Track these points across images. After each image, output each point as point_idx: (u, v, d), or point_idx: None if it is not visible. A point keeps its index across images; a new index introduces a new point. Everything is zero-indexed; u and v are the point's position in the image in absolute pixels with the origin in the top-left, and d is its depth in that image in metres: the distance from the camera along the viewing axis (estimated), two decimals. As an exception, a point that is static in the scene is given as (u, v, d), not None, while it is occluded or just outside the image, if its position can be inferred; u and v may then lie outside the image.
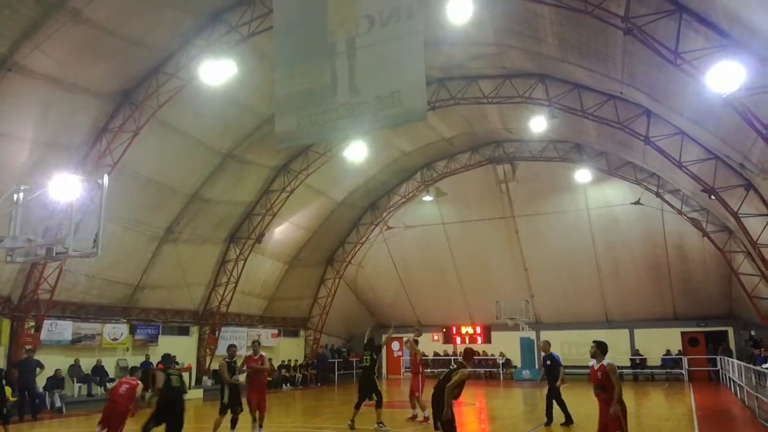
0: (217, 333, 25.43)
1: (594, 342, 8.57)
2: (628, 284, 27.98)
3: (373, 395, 13.40)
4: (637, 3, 11.46)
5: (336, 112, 7.31)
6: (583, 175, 25.57)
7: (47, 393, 18.31)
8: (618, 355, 28.36)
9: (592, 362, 8.50)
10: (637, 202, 24.46)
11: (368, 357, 13.94)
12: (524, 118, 22.52)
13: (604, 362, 8.27)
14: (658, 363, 28.56)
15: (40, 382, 17.90)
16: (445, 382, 8.49)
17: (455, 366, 8.75)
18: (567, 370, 28.93)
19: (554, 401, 14.10)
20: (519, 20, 15.66)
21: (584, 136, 23.38)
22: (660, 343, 28.55)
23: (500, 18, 15.89)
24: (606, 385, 8.17)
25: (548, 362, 14.71)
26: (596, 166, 25.03)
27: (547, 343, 15.30)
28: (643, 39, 11.68)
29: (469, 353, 9.34)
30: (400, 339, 34.59)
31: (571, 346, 30.23)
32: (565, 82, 18.71)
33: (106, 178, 8.40)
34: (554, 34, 15.36)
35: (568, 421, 13.74)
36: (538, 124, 21.69)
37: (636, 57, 13.70)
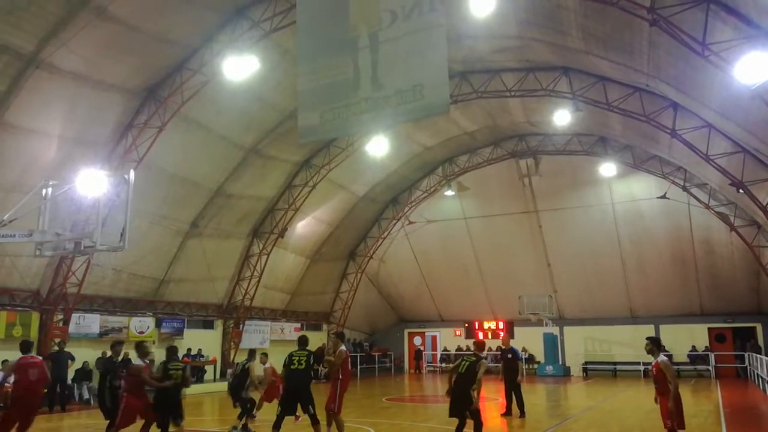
0: (241, 327, 25.70)
1: (647, 339, 8.68)
2: (653, 279, 27.62)
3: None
4: (664, -7, 11.27)
5: (358, 106, 7.31)
6: (607, 168, 25.29)
7: (75, 385, 18.66)
8: (642, 351, 27.93)
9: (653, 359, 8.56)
10: (664, 197, 24.10)
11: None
12: (548, 111, 22.32)
13: (659, 359, 8.35)
14: (685, 359, 28.16)
15: (69, 374, 18.25)
16: (469, 374, 9.03)
17: (474, 358, 9.11)
18: (591, 366, 29.12)
19: (513, 393, 14.46)
20: (542, 13, 15.50)
21: (609, 129, 23.10)
22: (686, 339, 28.14)
23: (523, 11, 15.75)
24: (659, 379, 8.28)
25: (509, 356, 15.04)
26: (621, 159, 24.73)
27: (508, 338, 16.36)
28: (670, 30, 11.48)
29: (480, 345, 10.39)
30: (422, 333, 34.68)
31: (594, 342, 30.02)
32: (589, 74, 18.49)
33: (132, 174, 8.54)
34: (578, 27, 15.17)
35: (522, 413, 14.14)
36: (562, 117, 21.48)
37: (662, 49, 13.48)
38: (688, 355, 28.13)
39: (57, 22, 13.94)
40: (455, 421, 9.16)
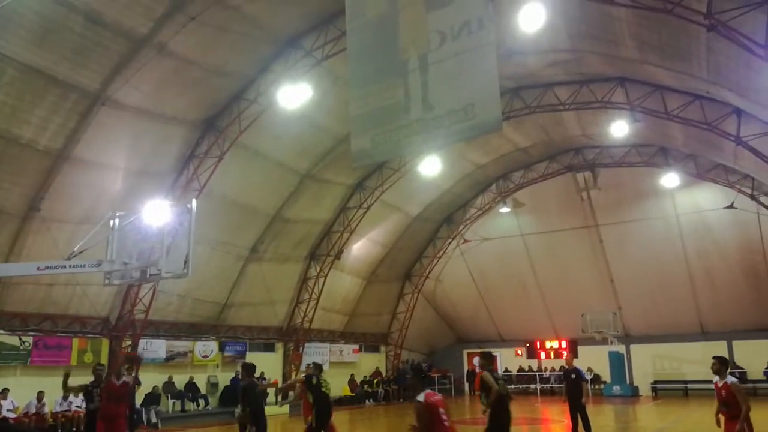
0: (301, 349, 25.94)
1: (715, 358, 8.34)
2: (724, 293, 26.38)
3: None
4: (721, -2, 10.93)
5: (410, 128, 7.32)
6: (670, 179, 24.49)
7: (144, 409, 19.19)
8: (716, 369, 26.71)
9: (716, 378, 8.22)
10: (731, 206, 23.13)
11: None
12: (604, 123, 21.86)
13: (728, 380, 8.02)
14: (761, 377, 26.68)
15: (138, 398, 18.79)
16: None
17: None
18: (661, 386, 27.93)
19: (579, 415, 13.79)
20: (594, 24, 15.27)
21: (670, 138, 22.41)
22: (762, 355, 26.63)
23: (574, 23, 15.56)
24: (730, 402, 7.90)
25: (572, 376, 14.32)
26: (684, 169, 23.90)
27: (572, 357, 15.59)
28: (729, 35, 11.10)
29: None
30: (479, 354, 34.07)
31: (663, 360, 28.85)
32: (646, 84, 18.04)
33: (194, 203, 8.81)
34: (632, 36, 14.86)
35: None
36: (620, 128, 21.01)
37: (722, 54, 13.04)
38: (765, 373, 26.65)
39: (120, 61, 14.64)
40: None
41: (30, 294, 17.08)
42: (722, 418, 8.19)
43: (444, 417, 5.77)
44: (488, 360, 9.79)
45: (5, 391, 16.27)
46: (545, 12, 14.17)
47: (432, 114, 7.13)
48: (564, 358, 16.70)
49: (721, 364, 8.14)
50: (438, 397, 5.92)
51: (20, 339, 17.28)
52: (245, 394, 10.09)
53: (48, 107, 14.58)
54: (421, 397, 5.80)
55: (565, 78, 19.51)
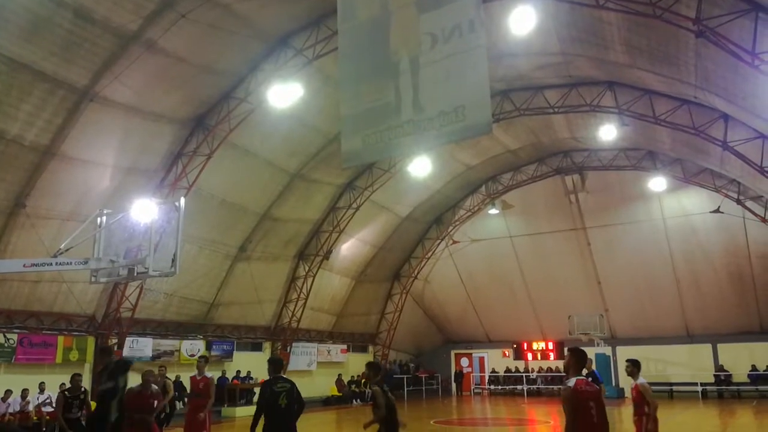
0: (288, 349, 25.88)
1: (628, 361, 8.73)
2: (709, 296, 26.64)
3: None
4: (709, 4, 11.05)
5: (400, 129, 7.33)
6: (657, 183, 24.69)
7: (129, 407, 19.03)
8: (700, 372, 27.02)
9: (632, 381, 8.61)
10: (717, 211, 23.37)
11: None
12: (593, 126, 22.00)
13: (638, 381, 8.43)
14: (745, 379, 26.96)
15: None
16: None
17: (592, 380, 9.64)
18: (646, 387, 28.06)
19: None
20: (584, 28, 15.38)
21: (657, 143, 22.60)
22: (746, 358, 26.97)
23: (564, 27, 15.66)
24: (639, 402, 8.34)
25: (590, 379, 14.27)
26: (671, 173, 24.11)
27: (590, 360, 15.37)
28: (717, 41, 11.23)
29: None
30: (469, 355, 34.22)
31: (649, 362, 29.02)
32: (635, 88, 18.19)
33: (182, 201, 8.75)
34: (622, 41, 14.98)
35: None
36: (608, 132, 21.15)
37: (710, 60, 13.18)
38: (749, 375, 26.95)
39: (109, 57, 14.54)
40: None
41: (15, 291, 16.92)
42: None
43: (593, 413, 5.28)
44: (375, 371, 7.94)
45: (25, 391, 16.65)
46: (536, 15, 14.26)
47: (423, 115, 7.14)
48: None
49: (634, 366, 8.55)
50: (592, 388, 5.46)
51: (5, 336, 17.12)
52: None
53: (35, 102, 14.45)
54: (570, 382, 5.39)
55: (554, 81, 19.63)
